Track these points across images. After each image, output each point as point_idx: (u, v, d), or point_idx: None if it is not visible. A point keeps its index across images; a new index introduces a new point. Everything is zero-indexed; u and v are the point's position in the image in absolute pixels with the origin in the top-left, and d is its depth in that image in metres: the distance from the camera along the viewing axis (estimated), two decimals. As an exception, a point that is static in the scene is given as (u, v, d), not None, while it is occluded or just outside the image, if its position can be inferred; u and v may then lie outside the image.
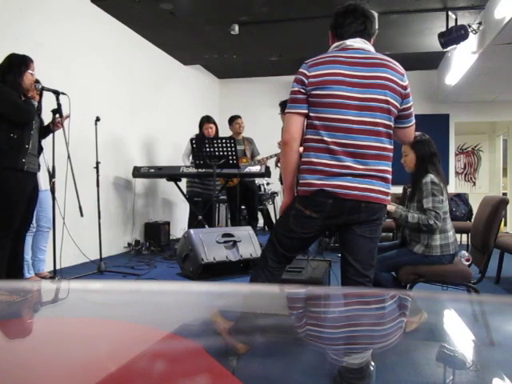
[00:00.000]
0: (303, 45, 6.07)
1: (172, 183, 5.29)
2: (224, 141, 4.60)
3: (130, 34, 5.83)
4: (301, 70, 1.94)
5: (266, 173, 4.99)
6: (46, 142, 3.48)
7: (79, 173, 3.64)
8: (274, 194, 6.97)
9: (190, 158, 5.35)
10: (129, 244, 5.68)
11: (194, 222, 5.09)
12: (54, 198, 3.36)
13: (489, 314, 0.87)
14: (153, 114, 6.40)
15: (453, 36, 4.94)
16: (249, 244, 4.21)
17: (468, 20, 5.14)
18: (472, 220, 5.43)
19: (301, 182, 1.96)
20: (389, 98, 1.89)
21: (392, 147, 1.97)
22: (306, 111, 1.93)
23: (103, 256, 4.36)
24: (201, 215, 4.95)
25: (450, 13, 5.04)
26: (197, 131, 5.57)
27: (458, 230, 4.61)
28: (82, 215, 3.34)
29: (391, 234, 5.67)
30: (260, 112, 7.83)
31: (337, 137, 1.87)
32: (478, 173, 9.39)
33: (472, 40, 5.11)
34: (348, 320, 0.84)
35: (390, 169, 1.95)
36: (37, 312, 0.91)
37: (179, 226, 6.80)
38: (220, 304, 0.93)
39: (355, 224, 1.94)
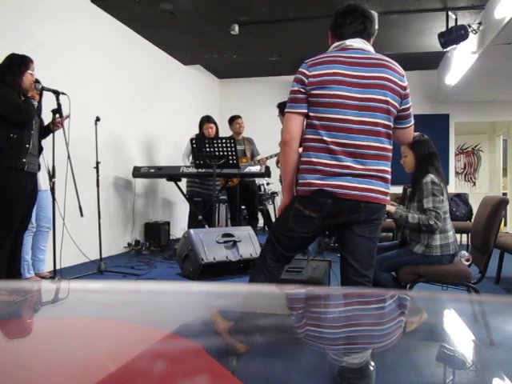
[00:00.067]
0: (303, 45, 6.07)
1: (172, 183, 5.29)
2: (224, 141, 4.60)
3: (129, 34, 5.83)
4: (301, 69, 1.94)
5: (266, 173, 4.99)
6: (46, 142, 3.48)
7: (79, 173, 3.64)
8: (274, 194, 6.97)
9: (190, 158, 5.35)
10: (129, 244, 5.68)
11: (193, 222, 5.09)
12: (54, 198, 3.36)
13: (489, 314, 0.87)
14: (153, 114, 6.40)
15: (453, 36, 4.94)
16: (249, 244, 4.21)
17: (468, 20, 5.14)
18: (472, 220, 5.43)
19: (300, 181, 1.96)
20: (388, 99, 1.89)
21: (391, 147, 1.97)
22: (305, 111, 1.93)
23: (103, 256, 4.36)
24: (201, 215, 4.95)
25: (450, 13, 5.04)
26: (197, 131, 5.57)
27: (458, 230, 4.61)
28: (82, 215, 3.34)
29: (391, 234, 5.67)
30: (260, 112, 7.83)
31: (336, 137, 1.87)
32: (478, 173, 9.39)
33: (472, 40, 5.11)
34: (348, 320, 0.84)
35: (389, 169, 1.95)
36: (37, 312, 0.91)
37: (179, 226, 6.80)
38: (220, 304, 0.93)
39: (354, 224, 1.94)
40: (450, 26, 5.03)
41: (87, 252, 4.18)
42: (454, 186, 8.21)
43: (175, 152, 6.54)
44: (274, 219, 7.17)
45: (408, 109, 2.00)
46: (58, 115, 3.30)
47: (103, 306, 0.91)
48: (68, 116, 3.44)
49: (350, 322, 0.83)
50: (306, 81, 1.90)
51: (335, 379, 0.59)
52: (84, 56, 4.89)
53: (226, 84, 8.76)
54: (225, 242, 4.10)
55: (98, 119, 4.25)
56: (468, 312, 0.92)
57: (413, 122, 2.08)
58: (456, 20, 5.07)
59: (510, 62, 5.32)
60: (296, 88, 1.93)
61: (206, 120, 5.44)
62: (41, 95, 3.28)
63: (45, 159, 3.55)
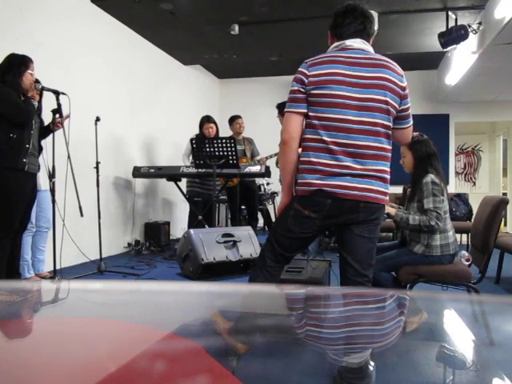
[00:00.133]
0: (303, 45, 6.07)
1: (172, 183, 5.29)
2: (224, 141, 4.60)
3: (129, 34, 5.83)
4: (300, 69, 1.94)
5: (266, 173, 4.99)
6: (46, 142, 3.48)
7: (79, 173, 3.64)
8: (273, 194, 6.97)
9: (190, 157, 5.35)
10: (129, 244, 5.68)
11: (194, 222, 5.09)
12: (53, 199, 3.36)
13: (489, 314, 0.87)
14: (153, 114, 6.40)
15: (453, 36, 4.94)
16: (249, 244, 4.21)
17: (468, 20, 5.14)
18: (472, 220, 5.43)
19: (299, 181, 1.96)
20: (388, 99, 1.89)
21: (391, 147, 1.97)
22: (305, 111, 1.93)
23: (103, 256, 4.36)
24: (201, 215, 4.95)
25: (450, 13, 5.04)
26: (197, 131, 5.57)
27: (458, 230, 4.61)
28: (82, 215, 3.35)
29: (391, 234, 5.67)
30: (260, 112, 7.83)
31: (336, 136, 1.87)
32: (478, 173, 9.39)
33: (472, 40, 5.11)
34: (347, 320, 0.84)
35: (388, 169, 1.95)
36: (37, 312, 0.91)
37: (179, 226, 6.80)
38: (220, 304, 0.93)
39: (354, 224, 1.94)
40: (450, 26, 5.03)
41: (87, 252, 4.18)
42: (454, 186, 8.22)
43: (175, 152, 6.54)
44: (273, 219, 7.17)
45: (407, 109, 2.01)
46: (57, 115, 3.30)
47: (103, 305, 0.91)
48: (68, 116, 3.44)
49: (349, 321, 0.83)
50: (306, 80, 1.90)
51: (335, 379, 0.59)
52: (84, 56, 4.89)
53: (225, 84, 8.76)
54: (225, 241, 4.10)
55: (97, 119, 4.25)
56: (468, 312, 0.92)
57: (412, 122, 2.08)
58: (456, 20, 5.07)
59: (509, 61, 5.32)
60: (296, 88, 1.93)
61: (206, 120, 5.44)
62: (41, 95, 3.28)
63: (45, 159, 3.55)
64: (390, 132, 1.96)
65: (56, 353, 0.64)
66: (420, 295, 1.18)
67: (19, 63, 3.11)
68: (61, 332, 0.75)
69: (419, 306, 0.95)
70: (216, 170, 4.60)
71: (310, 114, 1.92)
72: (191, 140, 4.82)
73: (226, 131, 5.94)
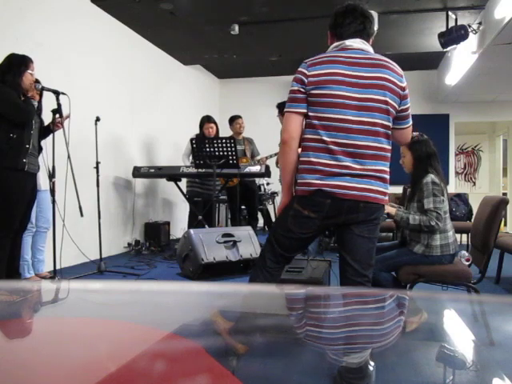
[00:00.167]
0: (303, 45, 6.07)
1: (172, 183, 5.29)
2: (224, 141, 4.60)
3: (129, 34, 5.83)
4: (300, 69, 1.94)
5: (266, 173, 4.99)
6: (46, 142, 3.48)
7: (79, 173, 3.64)
8: (273, 194, 6.97)
9: (190, 157, 5.35)
10: (129, 244, 5.68)
11: (194, 222, 5.09)
12: (53, 199, 3.36)
13: (489, 314, 0.87)
14: (153, 114, 6.40)
15: (453, 36, 4.94)
16: (249, 244, 4.21)
17: (468, 20, 5.14)
18: (472, 220, 5.43)
19: (299, 181, 1.95)
20: (388, 99, 1.89)
21: (390, 147, 1.97)
22: (305, 110, 1.93)
23: (103, 256, 4.36)
24: (201, 215, 4.95)
25: (450, 13, 5.04)
26: (197, 131, 5.57)
27: (458, 230, 4.61)
28: (82, 215, 3.34)
29: (391, 234, 5.67)
30: (260, 112, 7.83)
31: (336, 136, 1.87)
32: (478, 173, 9.39)
33: (472, 40, 5.11)
34: (347, 320, 0.84)
35: (387, 169, 1.95)
36: (37, 312, 0.91)
37: (179, 226, 6.80)
38: (220, 304, 0.93)
39: (353, 224, 1.94)
40: (450, 26, 5.03)
41: (87, 252, 4.18)
42: (454, 186, 8.22)
43: (175, 152, 6.54)
44: (273, 219, 7.17)
45: (407, 109, 2.01)
46: (57, 115, 3.30)
47: (103, 305, 0.91)
48: (68, 116, 3.44)
49: (349, 321, 0.83)
50: (306, 80, 1.90)
51: (335, 379, 0.60)
52: (84, 56, 4.89)
53: (225, 84, 8.76)
54: (225, 241, 4.10)
55: (98, 119, 4.25)
56: (468, 312, 0.92)
57: (411, 122, 2.08)
58: (456, 20, 5.07)
59: (509, 61, 5.32)
60: (295, 88, 1.93)
61: (207, 120, 5.44)
62: (41, 95, 3.28)
63: (45, 159, 3.55)
64: (390, 132, 1.96)
65: (56, 353, 0.64)
66: (420, 295, 1.18)
67: (19, 63, 3.11)
68: (61, 332, 0.75)
69: (419, 306, 0.95)
70: (216, 170, 4.60)
71: (310, 113, 1.92)
72: (191, 140, 4.82)
73: (226, 131, 5.94)
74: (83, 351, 0.64)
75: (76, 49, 4.76)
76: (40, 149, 3.32)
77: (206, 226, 4.80)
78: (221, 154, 4.58)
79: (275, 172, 5.57)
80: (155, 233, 5.86)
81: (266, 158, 5.92)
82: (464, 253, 2.77)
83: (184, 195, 5.39)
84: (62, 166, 3.32)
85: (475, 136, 9.35)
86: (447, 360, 0.64)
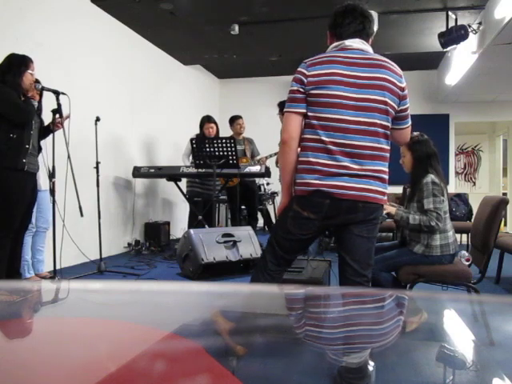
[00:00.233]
0: (303, 45, 6.07)
1: (172, 183, 5.29)
2: (224, 141, 4.60)
3: (129, 34, 5.83)
4: (300, 69, 1.94)
5: (266, 173, 4.99)
6: (46, 142, 3.48)
7: (79, 173, 3.64)
8: (273, 194, 6.97)
9: (190, 157, 5.35)
10: (129, 244, 5.68)
11: (194, 222, 5.09)
12: (54, 198, 3.36)
13: (489, 314, 0.87)
14: (153, 114, 6.40)
15: (453, 36, 4.94)
16: (249, 244, 4.21)
17: (468, 20, 5.14)
18: (472, 220, 5.43)
19: (298, 181, 1.96)
20: (387, 99, 1.89)
21: (389, 148, 1.97)
22: (304, 110, 1.93)
23: (103, 256, 4.36)
24: (201, 215, 4.95)
25: (450, 13, 5.04)
26: (197, 131, 5.57)
27: (458, 230, 4.61)
28: (82, 215, 3.34)
29: (391, 234, 5.67)
30: (260, 112, 7.83)
31: (334, 137, 1.87)
32: (478, 173, 9.39)
33: (472, 40, 5.11)
34: (346, 320, 0.84)
35: (386, 169, 1.95)
36: (37, 312, 0.91)
37: (179, 226, 6.80)
38: (220, 304, 0.93)
39: (352, 224, 1.94)
40: (450, 26, 5.03)
41: (87, 252, 4.18)
42: (454, 186, 8.21)
43: (175, 152, 6.54)
44: (273, 219, 7.17)
45: (406, 109, 2.01)
46: (57, 115, 3.30)
47: (103, 305, 0.91)
48: (68, 116, 3.44)
49: (348, 321, 0.83)
50: (305, 80, 1.90)
51: (335, 379, 0.60)
52: (84, 56, 4.89)
53: (225, 84, 8.76)
54: (225, 241, 4.10)
55: (98, 119, 4.25)
56: (468, 312, 0.92)
57: (410, 122, 2.08)
58: (456, 20, 5.07)
59: (509, 61, 5.32)
60: (295, 88, 1.93)
61: (207, 120, 5.44)
62: (41, 95, 3.28)
63: (45, 159, 3.55)
64: (389, 132, 1.96)
65: (56, 353, 0.64)
66: (420, 295, 1.18)
67: (19, 63, 3.10)
68: (61, 332, 0.75)
69: (419, 306, 0.95)
70: (216, 170, 4.60)
71: (309, 113, 1.92)
72: (191, 140, 4.82)
73: (226, 131, 5.94)
74: (83, 351, 0.64)
75: (76, 49, 4.76)
76: (40, 149, 3.32)
77: (206, 226, 4.80)
78: (221, 154, 4.58)
79: (275, 172, 5.58)
80: (155, 233, 5.86)
81: (266, 157, 5.92)
82: (464, 253, 2.77)
83: (184, 195, 5.39)
84: (62, 166, 3.32)
85: (475, 136, 9.35)
86: (447, 360, 0.64)
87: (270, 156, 5.92)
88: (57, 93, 3.29)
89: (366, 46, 1.96)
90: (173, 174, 5.16)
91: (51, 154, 3.27)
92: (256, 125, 6.94)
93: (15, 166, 3.01)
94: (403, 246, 2.82)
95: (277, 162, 5.62)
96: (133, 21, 5.56)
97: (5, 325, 0.78)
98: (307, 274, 2.92)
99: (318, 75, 1.88)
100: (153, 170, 5.25)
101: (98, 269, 4.07)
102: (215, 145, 4.57)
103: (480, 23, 5.05)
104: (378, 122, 1.89)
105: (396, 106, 1.94)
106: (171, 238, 6.15)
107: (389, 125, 1.94)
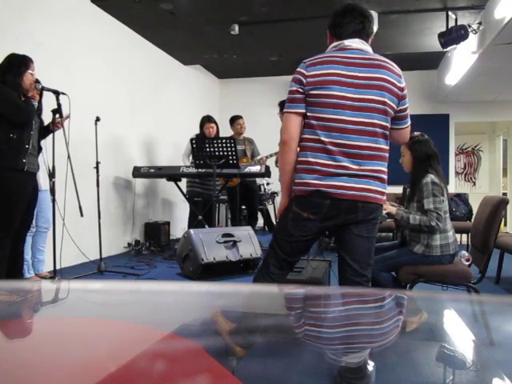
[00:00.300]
0: (303, 45, 6.07)
1: (172, 183, 5.29)
2: (224, 141, 4.60)
3: (129, 34, 5.83)
4: (299, 69, 1.94)
5: (266, 173, 4.99)
6: (46, 142, 3.48)
7: (79, 173, 3.64)
8: (273, 194, 6.97)
9: (190, 157, 5.35)
10: (129, 244, 5.68)
11: (194, 222, 5.09)
12: (54, 198, 3.36)
13: (489, 314, 0.87)
14: (153, 114, 6.40)
15: (453, 36, 4.94)
16: (249, 244, 4.21)
17: (468, 20, 5.14)
18: (472, 220, 5.43)
19: (297, 181, 1.95)
20: (386, 100, 1.89)
21: (388, 148, 1.97)
22: (303, 111, 1.93)
23: (103, 256, 4.36)
24: (201, 215, 4.95)
25: (450, 13, 5.04)
26: (197, 131, 5.57)
27: (458, 230, 4.61)
28: (82, 215, 3.34)
29: (391, 234, 5.67)
30: (260, 112, 7.83)
31: (333, 137, 1.87)
32: (478, 173, 9.39)
33: (472, 40, 5.11)
34: (346, 319, 0.84)
35: (385, 169, 1.95)
36: (37, 312, 0.91)
37: (179, 226, 6.80)
38: (220, 304, 0.93)
39: (352, 224, 1.94)
40: (450, 26, 5.03)
41: (87, 252, 4.18)
42: (454, 186, 8.21)
43: (175, 152, 6.54)
44: (273, 219, 7.17)
45: (405, 110, 2.01)
46: (57, 115, 3.30)
47: (103, 305, 0.91)
48: (68, 116, 3.43)
49: (348, 321, 0.83)
50: (304, 81, 1.90)
51: (335, 379, 0.60)
52: (84, 56, 4.89)
53: (225, 84, 8.76)
54: (225, 241, 4.10)
55: (98, 119, 4.25)
56: (468, 312, 0.92)
57: (409, 122, 2.08)
58: (456, 20, 5.07)
59: (509, 61, 5.32)
60: (294, 88, 1.93)
61: (207, 120, 5.44)
62: (41, 95, 3.28)
63: (45, 159, 3.55)
64: (388, 132, 1.96)
65: (56, 353, 0.64)
66: (420, 295, 1.18)
67: (19, 63, 3.10)
68: (61, 332, 0.75)
69: (419, 306, 0.95)
70: (216, 170, 4.60)
71: (309, 114, 1.92)
72: (191, 140, 4.82)
73: (226, 131, 5.94)
74: (83, 351, 0.64)
75: (76, 49, 4.76)
76: (40, 149, 3.32)
77: (206, 225, 4.80)
78: (221, 154, 4.58)
79: (275, 172, 5.58)
80: (155, 233, 5.86)
81: (267, 157, 5.92)
82: (464, 253, 2.77)
83: (184, 195, 5.39)
84: (62, 165, 3.32)
85: (475, 136, 9.35)
86: (447, 360, 0.64)
87: (271, 155, 5.92)
88: (57, 93, 3.29)
89: (365, 46, 1.96)
90: (173, 174, 5.16)
91: (51, 154, 3.27)
92: (256, 125, 6.94)
93: (15, 166, 3.01)
94: (403, 245, 2.82)
95: (276, 162, 5.62)
96: (133, 21, 5.56)
97: (5, 325, 0.78)
98: (307, 273, 2.92)
99: (317, 75, 1.88)
100: (153, 170, 5.25)
101: (98, 269, 4.07)
102: (215, 145, 4.57)
103: (480, 23, 5.05)
104: (377, 122, 1.89)
105: (395, 106, 1.94)
106: (171, 237, 6.15)
107: (388, 125, 1.94)
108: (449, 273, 2.68)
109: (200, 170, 4.89)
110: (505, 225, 8.27)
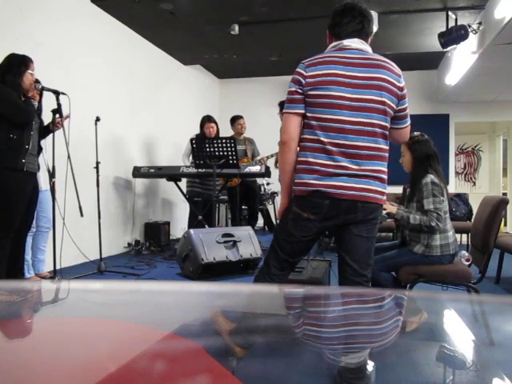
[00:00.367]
0: (303, 45, 6.06)
1: (172, 183, 5.29)
2: (224, 141, 4.60)
3: (129, 34, 5.83)
4: (298, 69, 1.94)
5: (266, 173, 4.99)
6: (46, 142, 3.48)
7: (79, 173, 3.64)
8: (273, 194, 6.97)
9: (190, 157, 5.36)
10: (129, 244, 5.68)
11: (194, 222, 5.09)
12: (54, 198, 3.36)
13: (489, 314, 0.87)
14: (153, 114, 6.40)
15: (453, 36, 4.94)
16: (249, 244, 4.21)
17: (468, 20, 5.14)
18: (472, 220, 5.43)
19: (297, 181, 1.95)
20: (385, 99, 1.89)
21: (388, 148, 1.97)
22: (303, 111, 1.93)
23: (103, 256, 4.36)
24: (201, 215, 4.95)
25: (450, 13, 5.04)
26: (197, 131, 5.57)
27: (458, 230, 4.61)
28: (82, 215, 3.34)
29: (391, 234, 5.67)
30: (260, 112, 7.83)
31: (333, 137, 1.87)
32: (478, 173, 9.39)
33: (472, 40, 5.11)
34: (345, 319, 0.84)
35: (385, 169, 1.95)
36: (37, 312, 0.91)
37: (179, 226, 6.80)
38: (220, 304, 0.93)
39: (352, 224, 1.94)
40: (450, 26, 5.03)
41: (87, 252, 4.18)
42: (454, 186, 8.21)
43: (175, 152, 6.54)
44: (273, 219, 7.17)
45: (405, 109, 2.00)
46: (57, 115, 3.30)
47: (103, 305, 0.91)
48: (68, 116, 3.44)
49: (347, 321, 0.83)
50: (304, 81, 1.90)
51: (335, 379, 0.59)
52: (84, 56, 4.89)
53: (225, 84, 8.76)
54: (225, 241, 4.10)
55: (98, 119, 4.25)
56: (468, 312, 0.92)
57: (409, 122, 2.08)
58: (456, 20, 5.07)
59: (509, 61, 5.32)
60: (293, 89, 1.93)
61: (207, 120, 5.44)
62: (41, 95, 3.28)
63: (45, 159, 3.55)
64: (387, 132, 1.96)
65: (56, 353, 0.64)
66: (420, 295, 1.18)
67: (19, 63, 3.10)
68: (61, 332, 0.75)
69: (419, 306, 0.95)
70: (216, 170, 4.60)
71: (308, 114, 1.92)
72: (191, 140, 4.82)
73: (226, 131, 5.94)
74: (83, 351, 0.64)
75: (76, 49, 4.76)
76: (40, 149, 3.32)
77: (206, 226, 4.80)
78: (221, 154, 4.58)
79: (275, 172, 5.58)
80: (155, 233, 5.86)
81: (267, 157, 5.92)
82: (464, 253, 2.77)
83: (184, 195, 5.39)
84: (62, 165, 3.32)
85: (475, 136, 9.35)
86: (447, 360, 0.64)
87: (271, 156, 5.91)
88: (57, 93, 3.29)
89: (364, 46, 1.95)
90: (173, 174, 5.16)
91: (51, 154, 3.27)
92: (256, 125, 6.94)
93: (15, 166, 3.01)
94: (403, 245, 2.82)
95: (276, 163, 5.62)
96: (133, 21, 5.56)
97: (5, 325, 0.78)
98: (307, 274, 2.92)
99: (316, 76, 1.88)
100: (153, 170, 5.25)
101: (98, 269, 4.07)
102: (215, 145, 4.57)
103: (480, 23, 5.05)
104: (376, 122, 1.89)
105: (395, 106, 1.93)
106: (171, 237, 6.15)
107: (387, 125, 1.94)
108: (449, 273, 2.68)
109: (200, 170, 4.89)
110: (505, 225, 8.27)
